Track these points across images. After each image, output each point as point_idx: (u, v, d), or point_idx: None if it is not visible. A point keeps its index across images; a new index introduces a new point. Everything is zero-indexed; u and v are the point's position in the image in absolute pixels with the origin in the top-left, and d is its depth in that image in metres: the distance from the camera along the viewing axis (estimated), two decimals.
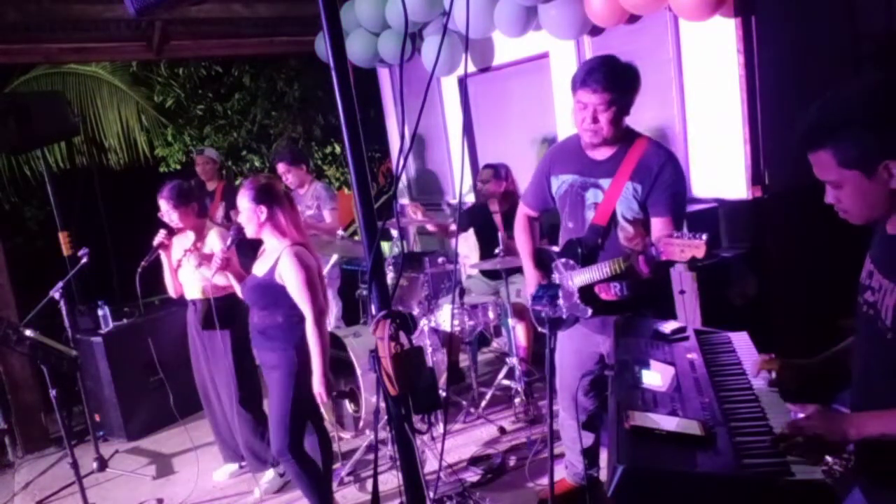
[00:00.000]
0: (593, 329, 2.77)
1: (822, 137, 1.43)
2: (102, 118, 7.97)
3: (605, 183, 2.61)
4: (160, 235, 3.61)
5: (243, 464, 3.90)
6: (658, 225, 2.55)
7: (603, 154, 2.63)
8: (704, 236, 2.23)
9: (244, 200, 3.01)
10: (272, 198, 3.00)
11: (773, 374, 1.80)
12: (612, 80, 2.47)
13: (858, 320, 1.56)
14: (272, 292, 2.99)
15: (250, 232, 3.07)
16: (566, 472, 3.20)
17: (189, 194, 3.62)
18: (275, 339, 3.03)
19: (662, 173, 2.52)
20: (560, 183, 2.76)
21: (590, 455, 3.05)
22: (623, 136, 2.60)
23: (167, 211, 3.59)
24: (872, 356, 1.52)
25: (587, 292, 2.66)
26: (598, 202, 2.63)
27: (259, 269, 3.11)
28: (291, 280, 2.92)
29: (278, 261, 2.97)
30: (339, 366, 4.09)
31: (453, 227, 4.84)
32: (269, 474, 3.75)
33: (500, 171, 4.55)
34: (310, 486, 3.09)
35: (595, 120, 2.51)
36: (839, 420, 1.47)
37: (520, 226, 3.02)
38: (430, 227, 4.86)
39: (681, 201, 2.59)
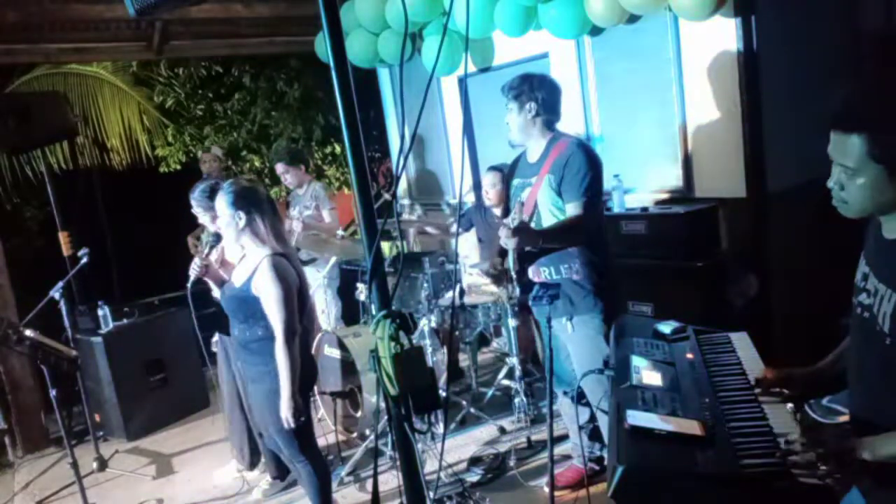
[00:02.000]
0: (536, 315, 3.09)
1: (862, 122, 1.34)
2: (104, 118, 7.97)
3: (533, 180, 2.97)
4: (195, 267, 3.14)
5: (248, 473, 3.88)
6: (569, 210, 2.85)
7: (535, 157, 3.01)
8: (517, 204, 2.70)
9: (222, 205, 2.85)
10: (251, 203, 2.84)
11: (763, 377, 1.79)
12: (508, 87, 2.94)
13: (853, 321, 1.55)
14: (249, 304, 2.83)
15: (229, 238, 2.95)
16: (573, 454, 3.35)
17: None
18: (258, 352, 2.87)
19: (570, 162, 2.83)
20: (512, 188, 3.16)
21: (596, 434, 3.23)
22: (549, 139, 2.96)
23: (199, 214, 3.49)
24: (868, 357, 1.51)
25: (526, 278, 2.98)
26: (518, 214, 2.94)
27: (237, 277, 2.96)
28: (265, 294, 2.77)
29: (256, 271, 2.82)
30: (338, 366, 4.10)
31: (453, 228, 4.84)
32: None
33: (506, 173, 4.53)
34: (318, 487, 3.03)
35: (507, 122, 2.98)
36: (854, 443, 1.42)
37: None
38: (430, 230, 4.90)
39: (589, 188, 2.83)
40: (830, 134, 1.41)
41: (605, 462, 3.09)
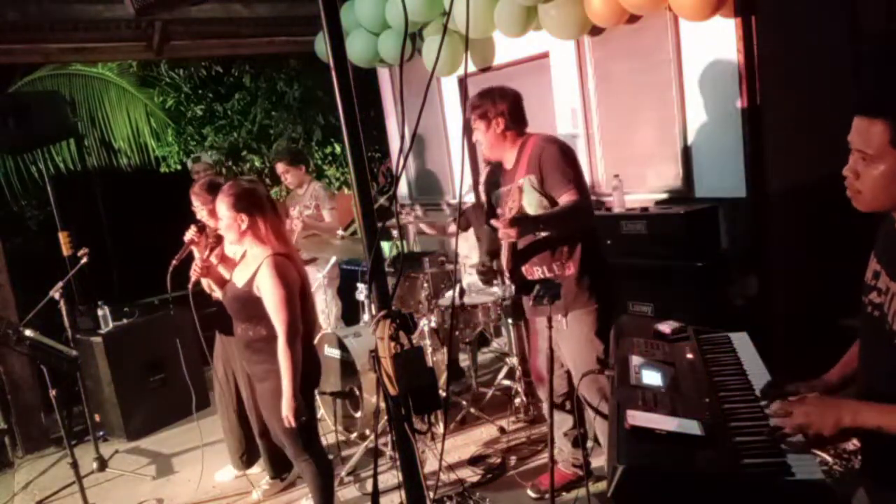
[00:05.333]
0: (528, 314, 3.09)
1: (889, 109, 1.35)
2: (111, 120, 7.98)
3: (513, 186, 2.88)
4: (190, 232, 3.42)
5: (249, 472, 3.87)
6: (563, 201, 2.79)
7: (509, 163, 3.00)
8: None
9: (223, 207, 2.86)
10: (252, 205, 2.86)
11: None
12: (472, 107, 2.93)
13: (862, 321, 1.54)
14: (252, 304, 2.85)
15: (231, 240, 2.96)
16: (558, 458, 3.26)
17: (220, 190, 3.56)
18: (261, 351, 2.90)
19: (544, 157, 2.82)
20: (495, 197, 3.13)
21: (578, 442, 3.16)
22: (519, 144, 2.95)
23: (198, 207, 3.50)
24: (876, 357, 1.50)
25: (521, 276, 2.98)
26: (510, 204, 2.91)
27: (239, 277, 2.97)
28: (268, 295, 2.78)
29: (257, 271, 2.83)
30: (338, 366, 4.10)
31: (452, 229, 4.84)
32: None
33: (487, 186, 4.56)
34: (322, 486, 3.04)
35: (476, 140, 3.00)
36: (834, 406, 1.42)
37: None
38: (427, 230, 4.90)
39: (573, 175, 2.82)
40: (854, 119, 1.41)
41: (590, 467, 3.10)
